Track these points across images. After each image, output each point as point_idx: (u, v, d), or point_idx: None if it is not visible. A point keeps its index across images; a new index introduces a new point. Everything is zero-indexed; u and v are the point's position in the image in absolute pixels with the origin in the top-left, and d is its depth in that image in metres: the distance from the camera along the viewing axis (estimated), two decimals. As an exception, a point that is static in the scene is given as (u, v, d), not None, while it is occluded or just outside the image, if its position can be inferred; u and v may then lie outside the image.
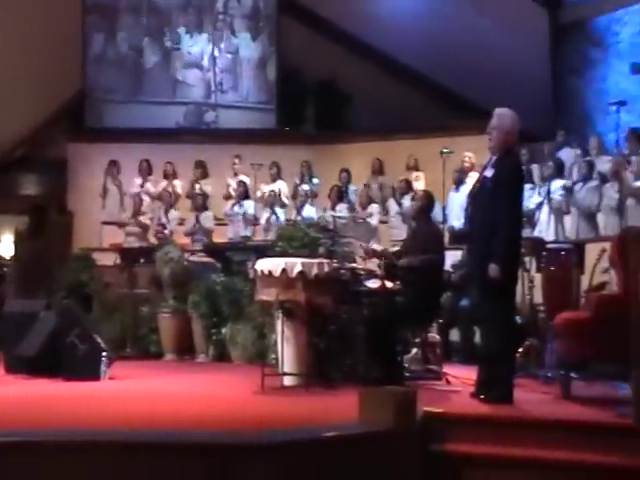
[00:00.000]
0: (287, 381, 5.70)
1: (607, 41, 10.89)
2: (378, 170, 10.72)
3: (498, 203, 4.77)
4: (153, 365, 7.37)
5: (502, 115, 4.93)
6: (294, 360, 5.69)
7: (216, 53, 12.26)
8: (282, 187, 10.26)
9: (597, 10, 10.94)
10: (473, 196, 5.17)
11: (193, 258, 8.56)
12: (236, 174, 10.63)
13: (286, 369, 5.70)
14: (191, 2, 12.30)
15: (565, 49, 11.37)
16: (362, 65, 12.25)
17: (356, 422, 4.09)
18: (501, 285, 4.76)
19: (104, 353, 6.12)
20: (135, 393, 5.51)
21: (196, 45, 12.26)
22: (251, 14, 12.37)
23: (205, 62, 12.24)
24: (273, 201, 9.96)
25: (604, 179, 8.19)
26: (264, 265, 5.64)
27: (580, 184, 8.45)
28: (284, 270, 5.50)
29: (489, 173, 4.95)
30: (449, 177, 8.93)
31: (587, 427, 4.25)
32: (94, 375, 6.01)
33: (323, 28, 12.34)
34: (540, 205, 8.60)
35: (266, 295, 5.65)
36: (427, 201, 6.17)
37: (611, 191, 7.85)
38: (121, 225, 10.29)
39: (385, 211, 10.08)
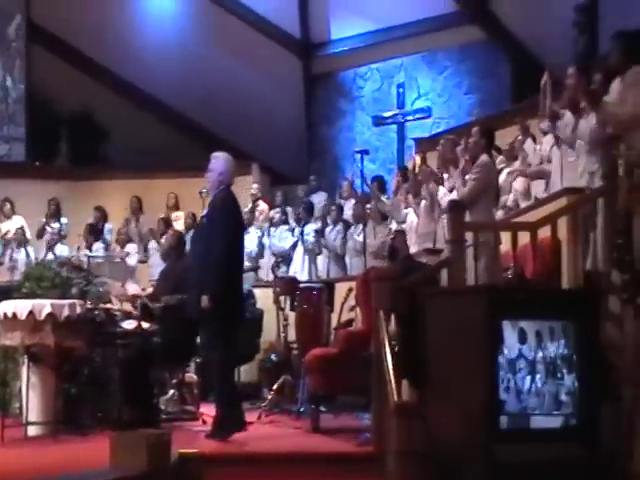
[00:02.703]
0: (32, 431, 5.37)
1: (353, 94, 11.75)
2: (137, 209, 10.54)
3: (211, 238, 5.00)
4: None
5: (216, 158, 5.21)
6: (41, 408, 5.39)
7: (8, 83, 11.41)
8: (21, 223, 9.71)
9: (344, 64, 11.77)
10: (193, 235, 5.39)
11: None
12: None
13: (32, 418, 5.38)
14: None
15: (318, 99, 12.08)
16: (121, 101, 12.05)
17: (108, 468, 3.95)
18: (216, 318, 4.89)
19: None
20: None
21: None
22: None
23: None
24: (21, 239, 9.41)
25: (349, 223, 8.80)
26: (8, 307, 5.31)
27: (330, 226, 8.97)
28: (31, 312, 5.22)
29: (205, 212, 5.19)
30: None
31: (332, 457, 4.50)
32: None
33: (77, 60, 11.95)
34: (294, 246, 9.01)
35: (10, 340, 5.32)
36: (176, 241, 6.25)
37: (355, 234, 8.45)
38: None
39: (145, 250, 9.92)
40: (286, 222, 9.37)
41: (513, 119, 6.74)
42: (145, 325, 5.79)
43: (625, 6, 7.03)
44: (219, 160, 5.16)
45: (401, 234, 6.00)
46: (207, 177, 5.19)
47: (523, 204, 6.36)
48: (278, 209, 9.53)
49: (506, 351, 3.53)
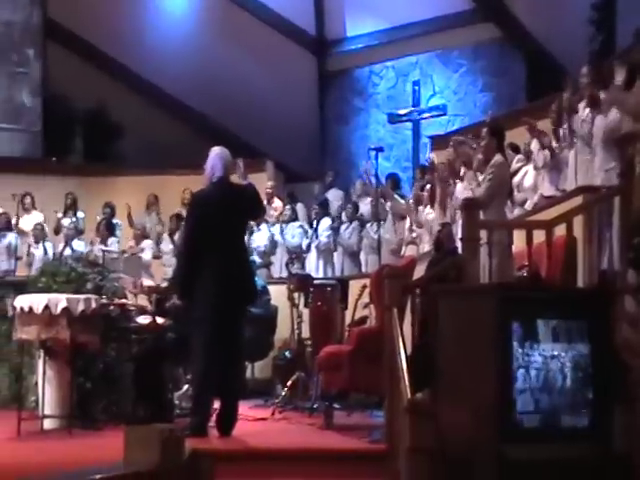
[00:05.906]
0: (47, 424, 5.40)
1: (368, 91, 11.73)
2: (153, 205, 10.55)
3: None
4: None
5: (211, 152, 5.26)
6: (56, 402, 5.41)
7: (25, 79, 11.49)
8: (39, 219, 9.77)
9: (359, 61, 11.76)
10: None
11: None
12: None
13: (47, 412, 5.40)
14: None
15: (332, 96, 12.08)
16: (136, 98, 12.10)
17: (121, 462, 3.98)
18: (191, 310, 5.05)
19: None
20: None
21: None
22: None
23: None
24: (39, 235, 9.47)
25: (364, 220, 8.78)
26: (24, 301, 5.34)
27: (346, 224, 8.97)
28: (47, 307, 5.25)
29: None
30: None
31: (345, 454, 4.50)
32: None
33: (93, 57, 12.01)
34: (308, 246, 9.00)
35: (26, 334, 5.34)
36: None
37: (371, 231, 8.44)
38: None
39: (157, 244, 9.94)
40: (295, 219, 9.38)
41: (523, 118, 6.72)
42: (159, 320, 5.81)
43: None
44: (211, 154, 5.25)
45: (448, 226, 5.91)
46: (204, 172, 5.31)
47: (534, 199, 6.33)
48: (288, 206, 9.55)
49: (520, 350, 3.52)
